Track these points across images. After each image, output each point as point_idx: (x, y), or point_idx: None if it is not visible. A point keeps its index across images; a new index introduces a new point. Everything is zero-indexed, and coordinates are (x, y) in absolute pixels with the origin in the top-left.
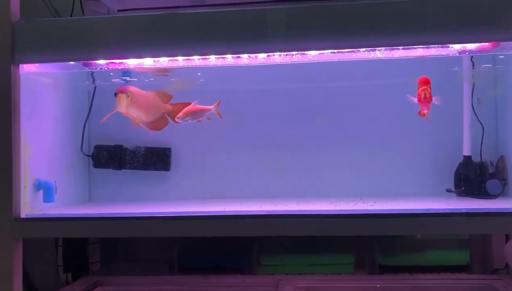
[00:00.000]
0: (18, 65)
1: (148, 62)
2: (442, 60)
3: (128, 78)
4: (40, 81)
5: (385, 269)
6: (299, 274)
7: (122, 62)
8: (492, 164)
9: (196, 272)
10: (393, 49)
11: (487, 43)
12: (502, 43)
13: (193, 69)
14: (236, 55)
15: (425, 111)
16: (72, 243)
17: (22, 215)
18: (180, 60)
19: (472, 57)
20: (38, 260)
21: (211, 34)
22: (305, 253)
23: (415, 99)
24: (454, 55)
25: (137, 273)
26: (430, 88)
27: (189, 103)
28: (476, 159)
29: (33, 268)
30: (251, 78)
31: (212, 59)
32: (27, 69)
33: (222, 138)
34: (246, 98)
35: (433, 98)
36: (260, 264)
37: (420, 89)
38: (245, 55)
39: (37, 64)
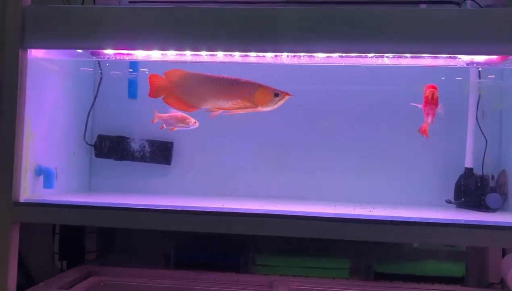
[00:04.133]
0: (27, 50)
1: (155, 55)
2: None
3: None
4: (47, 68)
5: (380, 276)
6: (294, 276)
7: (129, 54)
8: (493, 178)
9: (191, 267)
10: (401, 57)
11: (495, 56)
12: (511, 57)
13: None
14: (244, 53)
15: (429, 121)
16: (69, 231)
17: (21, 199)
18: (188, 55)
19: (479, 69)
20: (34, 247)
21: (220, 30)
22: (301, 255)
23: (420, 106)
24: (462, 66)
25: (132, 265)
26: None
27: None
28: (477, 171)
29: (29, 254)
30: (258, 78)
31: (220, 56)
32: (35, 54)
33: (225, 136)
34: None
35: (438, 105)
36: (256, 264)
37: (428, 91)
38: (253, 54)
39: (45, 50)
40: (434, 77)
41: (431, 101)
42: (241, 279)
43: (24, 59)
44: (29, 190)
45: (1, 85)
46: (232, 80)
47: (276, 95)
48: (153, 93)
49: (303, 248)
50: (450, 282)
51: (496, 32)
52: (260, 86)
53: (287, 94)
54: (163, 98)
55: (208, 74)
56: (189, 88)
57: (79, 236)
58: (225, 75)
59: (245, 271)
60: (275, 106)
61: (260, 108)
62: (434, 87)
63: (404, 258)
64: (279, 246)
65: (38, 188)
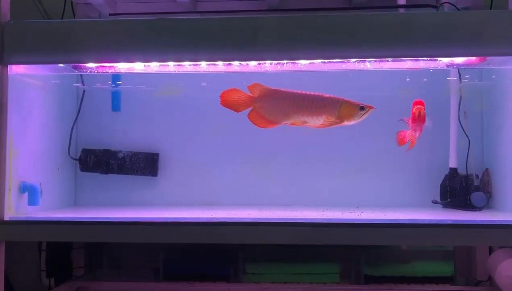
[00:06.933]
0: (7, 66)
1: (138, 67)
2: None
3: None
4: (29, 83)
5: (370, 279)
6: (285, 282)
7: (112, 66)
8: (477, 177)
9: (182, 279)
10: (382, 61)
11: (474, 58)
12: (489, 58)
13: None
14: (227, 62)
15: (417, 136)
16: (56, 248)
17: (6, 218)
18: (171, 66)
19: (459, 70)
20: (21, 264)
21: (202, 40)
22: (291, 261)
23: (409, 122)
24: (442, 68)
25: (122, 279)
26: (424, 110)
27: None
28: (462, 171)
29: (15, 272)
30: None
31: (203, 66)
32: (15, 70)
33: (211, 145)
34: None
35: (426, 120)
36: (246, 272)
37: (415, 108)
38: (236, 63)
39: (26, 66)
40: (415, 79)
41: (419, 119)
42: (232, 288)
43: (4, 76)
44: (13, 207)
45: None
46: (316, 96)
47: (362, 109)
48: (234, 108)
49: (292, 254)
50: (439, 282)
51: (474, 34)
52: (345, 101)
53: (371, 107)
54: (247, 115)
55: (291, 90)
56: (272, 104)
57: (66, 252)
58: (308, 91)
59: (236, 280)
60: (360, 120)
61: (345, 123)
62: (421, 103)
63: (393, 260)
64: (269, 253)
65: (22, 205)
